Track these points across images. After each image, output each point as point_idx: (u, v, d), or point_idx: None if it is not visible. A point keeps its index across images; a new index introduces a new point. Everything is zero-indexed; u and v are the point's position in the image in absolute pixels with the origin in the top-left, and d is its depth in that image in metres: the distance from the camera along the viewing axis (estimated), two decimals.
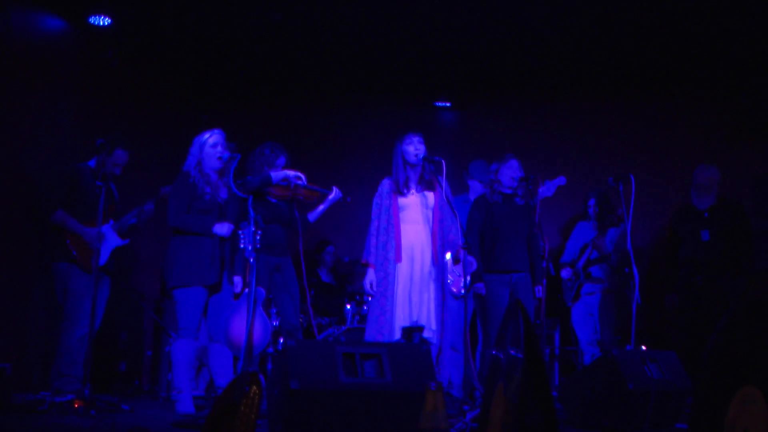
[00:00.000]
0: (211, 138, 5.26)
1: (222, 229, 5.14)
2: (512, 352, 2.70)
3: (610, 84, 7.90)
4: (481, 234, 5.78)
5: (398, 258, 5.24)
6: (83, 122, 6.29)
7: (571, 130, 8.09)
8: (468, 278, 5.21)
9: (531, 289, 5.73)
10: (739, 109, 7.51)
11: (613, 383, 4.45)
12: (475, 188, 6.55)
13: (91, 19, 6.39)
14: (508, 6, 6.27)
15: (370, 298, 5.40)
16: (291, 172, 5.67)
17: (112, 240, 5.73)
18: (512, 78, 7.91)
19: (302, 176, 5.71)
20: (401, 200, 5.35)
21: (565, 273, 6.90)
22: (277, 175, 5.60)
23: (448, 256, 6.53)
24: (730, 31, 6.58)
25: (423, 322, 5.13)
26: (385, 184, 5.41)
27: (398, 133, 5.43)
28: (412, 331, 5.04)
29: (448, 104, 8.47)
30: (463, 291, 5.41)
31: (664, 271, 7.10)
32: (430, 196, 5.39)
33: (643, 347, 6.19)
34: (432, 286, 5.26)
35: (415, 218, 5.34)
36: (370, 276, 5.25)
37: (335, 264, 7.72)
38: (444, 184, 5.21)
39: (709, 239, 6.45)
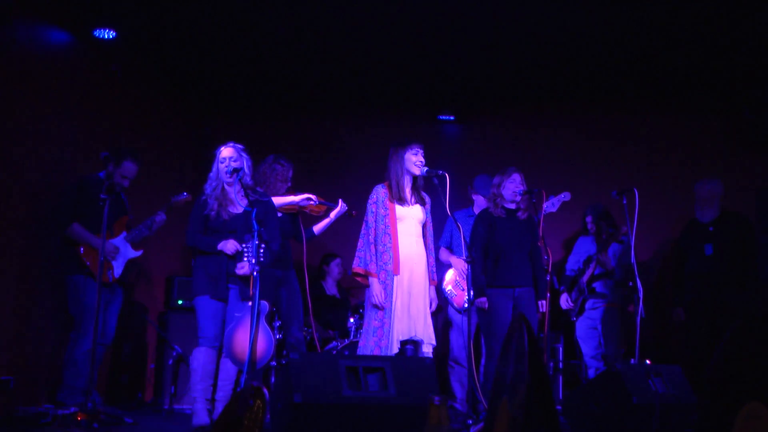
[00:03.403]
0: (221, 153, 5.25)
1: (225, 246, 5.11)
2: (516, 366, 2.69)
3: (613, 98, 7.91)
4: (485, 248, 5.75)
5: (396, 270, 5.13)
6: (88, 135, 6.31)
7: (575, 144, 8.09)
8: (471, 292, 5.18)
9: (534, 302, 5.71)
10: (743, 123, 7.51)
11: (617, 397, 4.44)
12: (480, 203, 6.55)
13: (96, 33, 6.40)
14: (512, 20, 6.28)
15: (367, 309, 5.22)
16: (298, 198, 5.67)
17: (126, 252, 5.77)
18: (516, 92, 7.92)
19: (312, 197, 5.71)
20: (399, 210, 5.23)
21: (564, 303, 6.88)
22: (279, 202, 5.60)
23: (450, 273, 6.52)
24: (733, 45, 6.59)
25: (420, 336, 5.10)
26: (380, 191, 5.28)
27: (398, 141, 5.31)
28: (412, 344, 5.03)
29: (451, 118, 8.47)
30: (466, 305, 5.40)
31: (668, 285, 7.09)
32: (422, 210, 5.34)
33: (648, 361, 6.18)
34: (425, 302, 5.23)
35: (410, 230, 5.25)
36: (377, 287, 5.10)
37: (340, 277, 7.71)
38: (446, 198, 5.13)
39: (712, 253, 6.44)
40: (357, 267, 5.21)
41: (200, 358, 5.09)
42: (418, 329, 5.09)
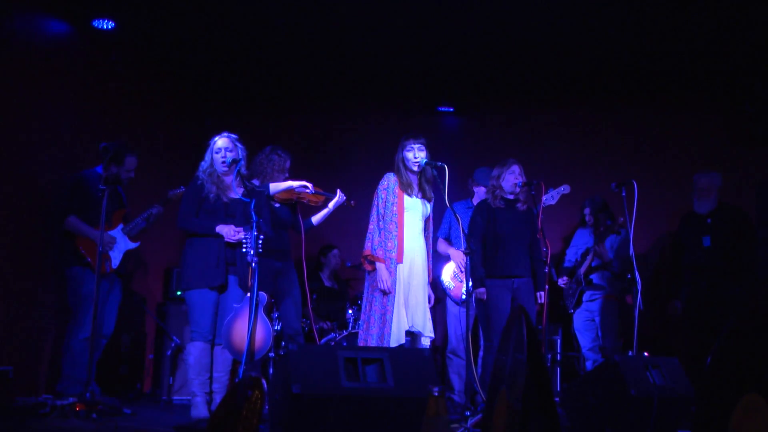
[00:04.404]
0: (216, 143, 5.27)
1: (223, 230, 5.12)
2: (515, 357, 2.70)
3: (613, 90, 7.89)
4: (483, 239, 5.76)
5: (400, 258, 5.15)
6: (87, 126, 6.30)
7: (575, 136, 8.09)
8: (470, 284, 5.18)
9: (533, 294, 5.72)
10: (743, 117, 7.50)
11: (615, 389, 4.44)
12: (481, 194, 6.54)
13: (95, 23, 6.39)
14: (512, 12, 6.27)
15: (374, 296, 5.18)
16: (296, 184, 5.66)
17: (123, 243, 5.79)
18: (515, 83, 7.91)
19: (308, 185, 5.71)
20: (407, 201, 5.27)
21: (562, 282, 6.90)
22: (278, 187, 5.60)
23: (449, 265, 6.52)
24: (734, 39, 6.58)
25: (419, 326, 5.10)
26: (391, 179, 5.30)
27: (404, 135, 5.36)
28: (410, 335, 5.03)
29: (451, 109, 8.47)
30: (464, 296, 5.40)
31: (666, 277, 7.10)
32: (426, 205, 5.38)
33: (646, 353, 6.19)
34: (424, 294, 5.24)
35: (415, 222, 5.28)
36: (384, 272, 5.08)
37: (338, 268, 7.71)
38: (445, 190, 5.14)
39: (710, 245, 6.45)
40: (367, 250, 5.22)
41: (195, 352, 5.10)
42: (417, 321, 5.10)
